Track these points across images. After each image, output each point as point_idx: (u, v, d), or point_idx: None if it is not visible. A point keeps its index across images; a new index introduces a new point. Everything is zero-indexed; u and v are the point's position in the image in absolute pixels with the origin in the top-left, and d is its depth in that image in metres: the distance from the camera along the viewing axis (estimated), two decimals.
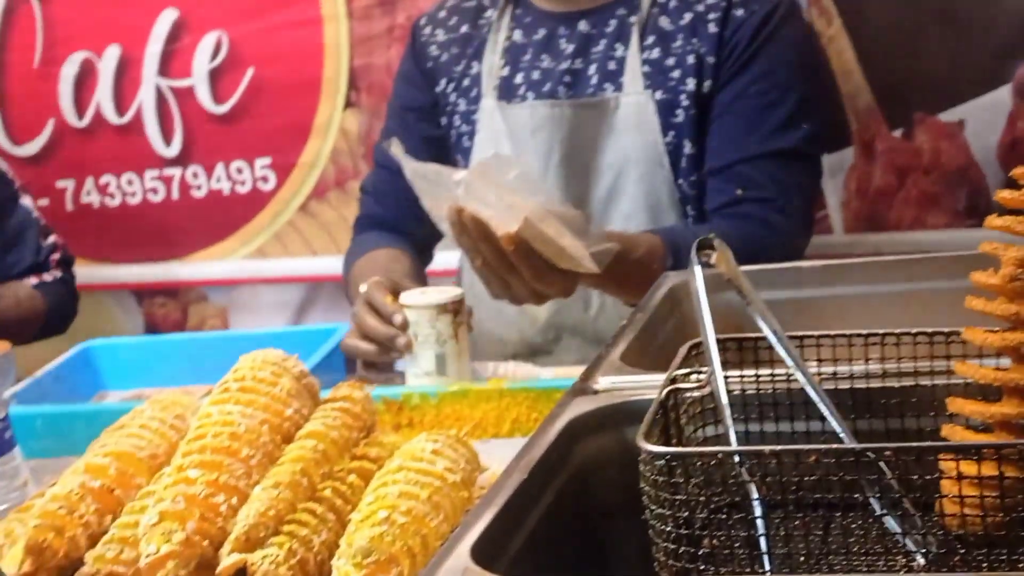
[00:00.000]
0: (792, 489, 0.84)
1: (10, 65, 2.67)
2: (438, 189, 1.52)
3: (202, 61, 2.58)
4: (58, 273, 2.24)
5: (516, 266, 1.47)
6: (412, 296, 1.59)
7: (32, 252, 2.20)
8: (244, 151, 2.60)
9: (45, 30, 2.64)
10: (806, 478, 0.81)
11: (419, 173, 1.54)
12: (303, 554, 1.01)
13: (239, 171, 2.62)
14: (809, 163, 1.80)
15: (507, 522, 0.88)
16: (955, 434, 0.89)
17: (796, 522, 0.88)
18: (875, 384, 1.01)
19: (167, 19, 2.58)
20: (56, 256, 2.25)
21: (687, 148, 1.75)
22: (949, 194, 2.29)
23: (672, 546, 0.79)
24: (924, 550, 0.87)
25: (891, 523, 0.87)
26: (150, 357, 1.91)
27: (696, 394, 0.95)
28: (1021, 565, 0.83)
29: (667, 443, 0.91)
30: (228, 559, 0.99)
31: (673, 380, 0.95)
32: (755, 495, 0.83)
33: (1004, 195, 0.90)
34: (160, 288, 2.74)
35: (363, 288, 1.65)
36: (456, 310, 1.57)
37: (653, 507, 0.81)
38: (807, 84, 1.78)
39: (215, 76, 2.58)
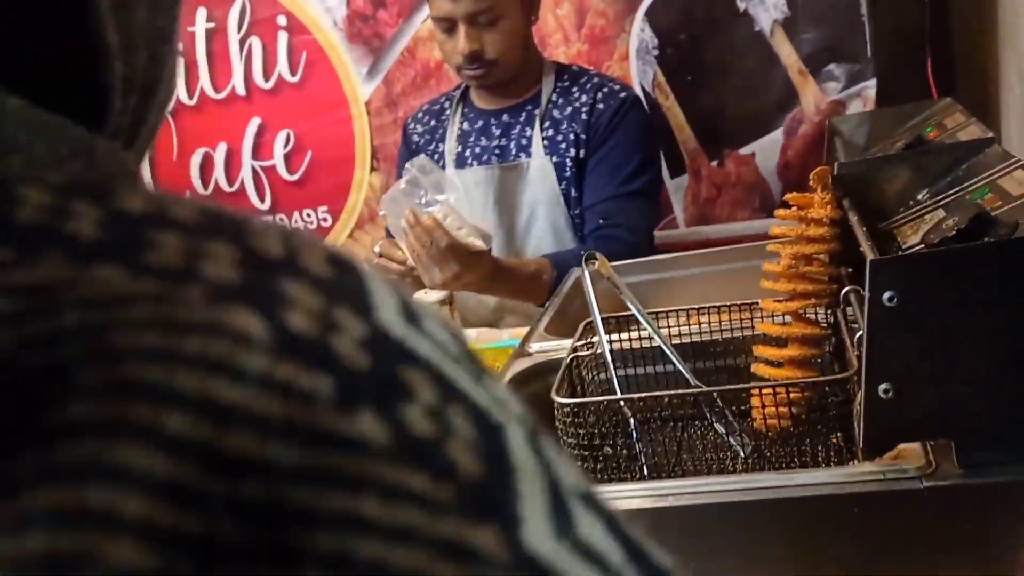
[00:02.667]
0: (655, 415, 0.87)
1: (157, 160, 2.69)
2: (398, 208, 1.56)
3: (279, 149, 2.59)
4: None
5: (447, 253, 1.48)
6: (422, 296, 1.61)
7: None
8: (310, 203, 2.63)
9: (178, 135, 2.65)
10: (664, 411, 0.84)
11: (391, 199, 1.58)
12: None
13: (308, 215, 2.65)
14: (649, 200, 1.84)
15: None
16: (760, 369, 0.93)
17: (659, 435, 0.92)
18: (707, 338, 1.05)
19: (254, 124, 2.60)
20: None
21: (573, 193, 1.79)
22: (748, 199, 2.32)
23: (579, 464, 0.82)
24: (742, 444, 0.91)
25: (720, 428, 0.91)
26: None
27: (588, 354, 0.99)
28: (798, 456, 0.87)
29: (572, 394, 0.94)
30: None
31: (574, 350, 0.99)
32: (632, 423, 0.87)
33: (780, 213, 0.94)
34: None
35: (376, 247, 1.68)
36: (451, 301, 1.61)
37: (565, 438, 0.84)
38: (646, 149, 1.81)
39: (287, 158, 2.60)
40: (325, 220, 2.64)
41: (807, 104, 2.22)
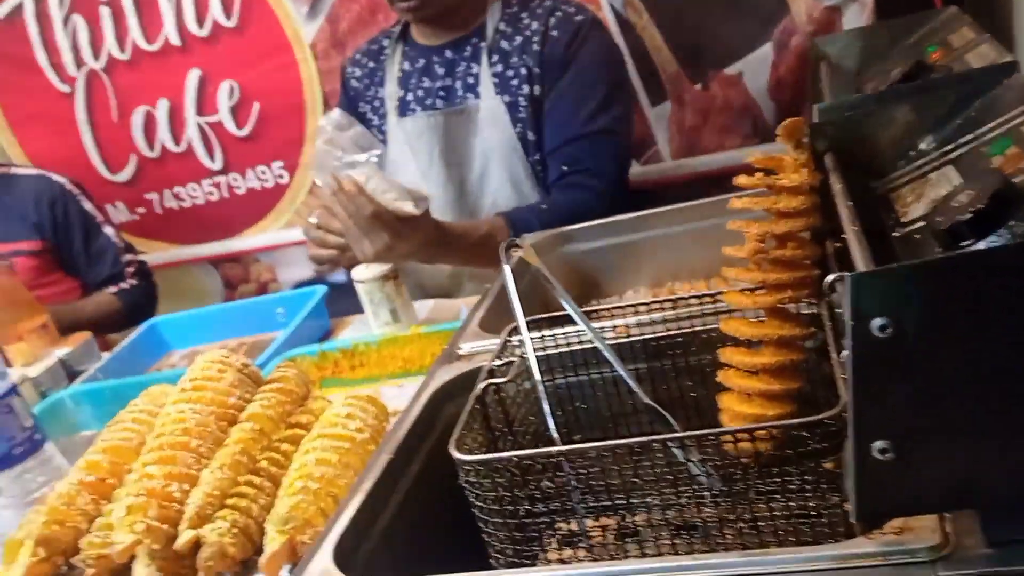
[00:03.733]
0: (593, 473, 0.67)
1: (96, 121, 2.48)
2: (323, 173, 1.36)
3: (223, 101, 2.38)
4: (134, 281, 2.06)
5: (373, 221, 1.29)
6: (361, 272, 1.42)
7: (110, 266, 2.04)
8: (264, 159, 2.44)
9: (116, 93, 2.44)
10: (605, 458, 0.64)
11: (316, 163, 1.38)
12: (244, 522, 0.88)
13: (263, 173, 2.45)
14: (618, 138, 1.60)
15: (375, 503, 0.74)
16: (728, 378, 0.74)
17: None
18: (661, 331, 0.86)
19: (194, 76, 2.38)
20: (131, 269, 2.07)
21: (530, 136, 1.57)
22: (738, 124, 2.10)
23: (504, 540, 0.63)
24: (709, 477, 0.72)
25: (680, 456, 0.72)
26: (199, 324, 1.78)
27: (506, 380, 0.79)
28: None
29: (488, 435, 0.74)
30: (184, 536, 0.87)
31: (490, 373, 0.79)
32: (570, 481, 0.67)
33: (741, 180, 0.73)
34: (228, 257, 2.60)
35: (311, 218, 1.48)
36: (395, 275, 1.41)
37: (473, 498, 0.65)
38: (611, 80, 1.58)
39: (234, 111, 2.39)
40: (281, 176, 2.44)
41: (798, 13, 1.97)
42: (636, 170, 2.11)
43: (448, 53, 1.63)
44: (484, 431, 0.71)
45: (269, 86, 2.33)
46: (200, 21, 2.29)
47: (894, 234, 0.65)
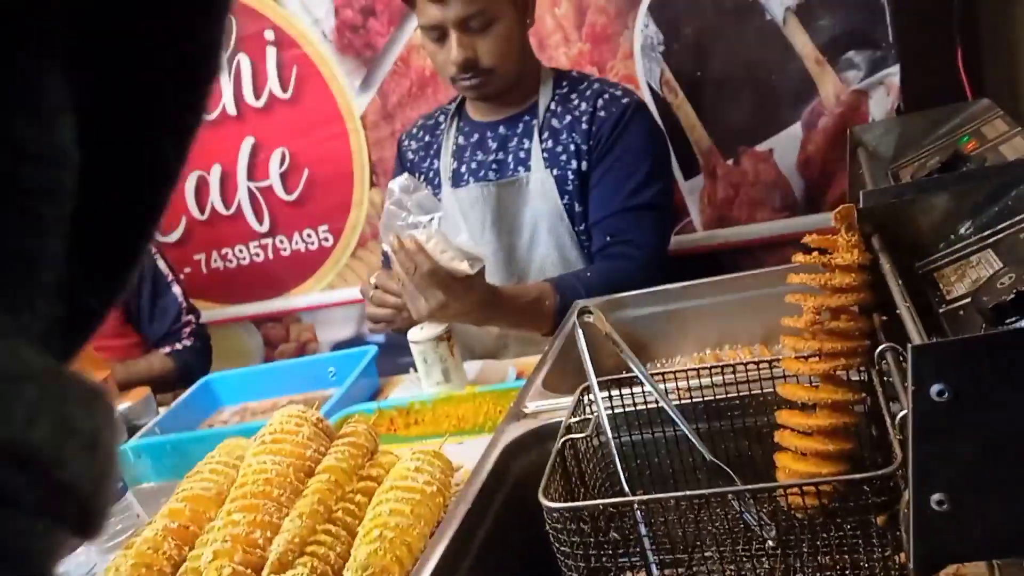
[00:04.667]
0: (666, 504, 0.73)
1: None
2: (387, 233, 1.45)
3: (275, 168, 2.49)
4: (188, 343, 2.13)
5: (429, 279, 1.36)
6: (416, 332, 1.49)
7: (170, 324, 2.12)
8: (310, 222, 2.53)
9: None
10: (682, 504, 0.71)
11: (383, 225, 1.47)
12: (323, 568, 0.93)
13: (308, 236, 2.55)
14: (660, 213, 1.69)
15: (457, 550, 0.81)
16: (784, 438, 0.80)
17: (671, 524, 0.77)
18: (720, 395, 0.92)
19: (248, 144, 2.49)
20: (188, 330, 2.14)
21: (577, 208, 1.66)
22: (768, 198, 2.19)
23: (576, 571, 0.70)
24: (768, 530, 0.78)
25: (742, 511, 0.78)
26: (251, 381, 1.84)
27: (582, 436, 0.86)
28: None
29: (568, 486, 0.81)
30: None
31: (568, 429, 0.86)
32: (641, 528, 0.73)
33: (799, 258, 0.81)
34: (270, 316, 2.68)
35: (372, 279, 1.57)
36: (449, 336, 1.49)
37: (558, 544, 0.72)
38: (654, 159, 1.67)
39: (284, 177, 2.50)
40: (327, 239, 2.54)
41: (826, 95, 2.07)
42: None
43: (502, 129, 1.74)
44: (564, 482, 0.78)
45: (319, 154, 2.45)
46: (257, 94, 2.42)
47: (940, 310, 0.72)
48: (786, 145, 2.13)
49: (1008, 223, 0.76)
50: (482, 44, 1.62)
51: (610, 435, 0.81)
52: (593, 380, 0.85)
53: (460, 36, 1.60)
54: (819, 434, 0.78)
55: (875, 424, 0.83)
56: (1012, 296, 0.59)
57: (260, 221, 2.56)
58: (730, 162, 2.18)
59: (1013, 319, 0.60)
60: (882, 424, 0.80)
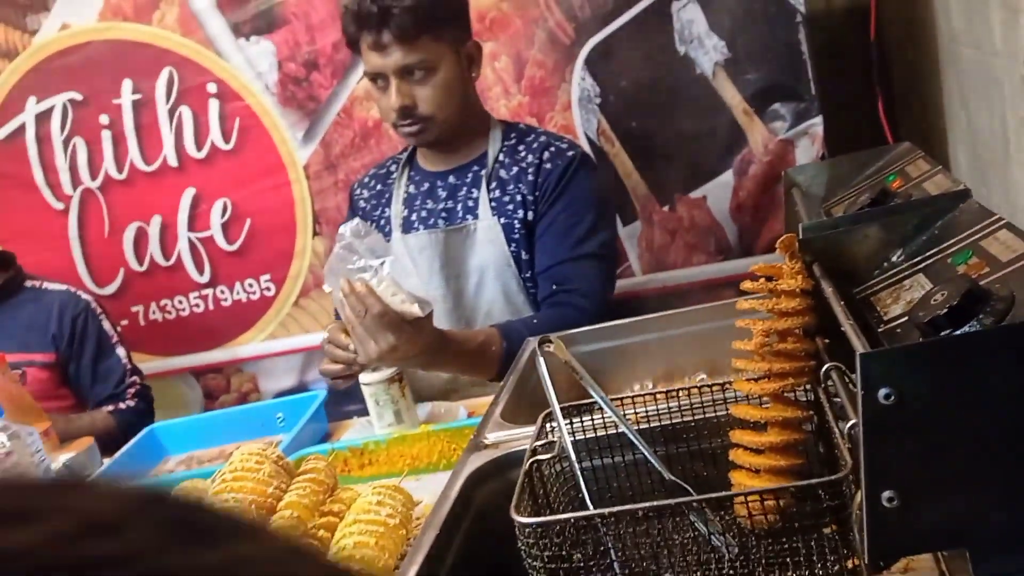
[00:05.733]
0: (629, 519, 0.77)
1: (88, 237, 2.56)
2: (336, 278, 1.47)
3: (216, 218, 2.49)
4: (132, 403, 2.09)
5: (379, 321, 1.38)
6: (367, 375, 1.51)
7: (113, 386, 2.08)
8: (252, 272, 2.53)
9: (109, 211, 2.53)
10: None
11: (329, 269, 1.48)
12: None
13: (250, 285, 2.54)
14: (605, 261, 1.74)
15: (427, 571, 0.82)
16: (738, 456, 0.84)
17: (635, 540, 0.81)
18: (677, 419, 0.96)
19: (189, 195, 2.49)
20: (132, 391, 2.11)
21: (524, 255, 1.71)
22: (703, 243, 2.27)
23: None
24: (727, 545, 0.81)
25: (702, 527, 0.82)
26: (197, 430, 1.82)
27: (548, 457, 0.89)
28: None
29: (535, 504, 0.83)
30: None
31: (533, 451, 0.89)
32: (606, 541, 0.76)
33: (747, 285, 0.87)
34: (210, 368, 2.64)
35: (326, 332, 1.58)
36: (400, 377, 1.50)
37: (529, 559, 0.74)
38: (598, 209, 1.73)
39: (226, 227, 2.50)
40: (268, 289, 2.53)
41: (755, 144, 2.18)
42: None
43: (451, 179, 1.78)
44: (532, 502, 0.80)
45: (262, 204, 2.46)
46: (199, 145, 2.43)
47: (879, 329, 0.78)
48: (719, 192, 2.23)
49: (936, 250, 0.83)
50: (421, 92, 1.67)
51: (574, 458, 0.85)
52: (556, 406, 0.88)
53: (400, 84, 1.66)
54: (771, 451, 0.83)
55: (822, 441, 0.88)
56: (945, 311, 0.65)
57: (201, 271, 2.54)
58: (666, 208, 2.26)
59: (948, 331, 0.66)
60: (829, 442, 0.85)
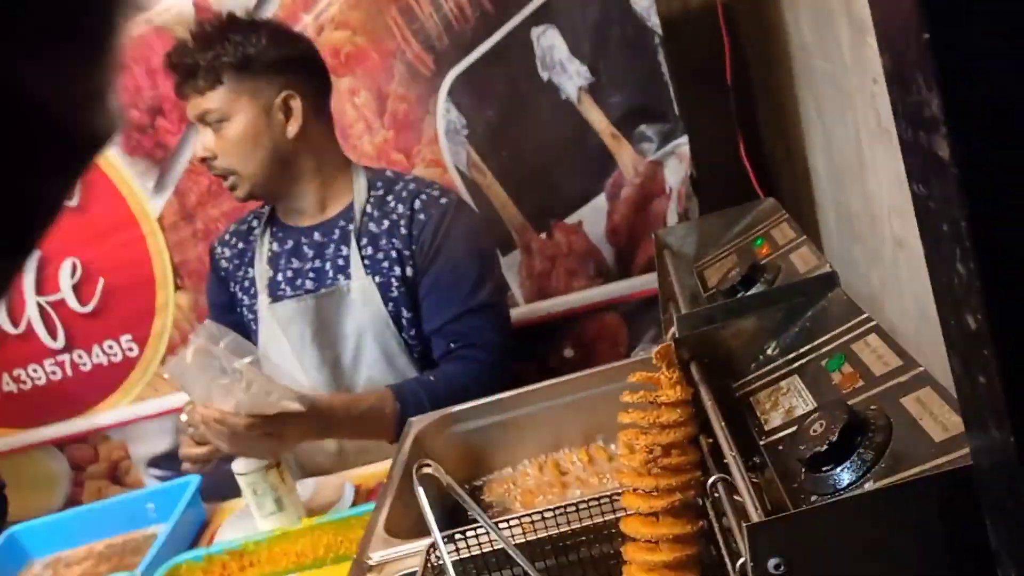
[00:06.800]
0: None
1: None
2: (191, 378, 1.38)
3: (65, 280, 2.32)
4: None
5: (250, 434, 1.33)
6: (242, 464, 1.42)
7: None
8: (111, 333, 2.37)
9: None
10: None
11: (178, 370, 1.40)
12: None
13: (110, 347, 2.38)
14: (497, 309, 1.70)
15: None
16: (631, 574, 0.83)
17: None
18: (565, 529, 0.94)
19: (33, 257, 2.30)
20: None
21: (405, 314, 1.64)
22: (583, 267, 2.26)
23: None
24: None
25: None
26: (61, 529, 1.70)
27: None
28: None
29: None
30: None
31: None
32: None
33: (626, 398, 0.84)
34: (74, 438, 2.47)
35: (183, 416, 1.48)
36: (277, 463, 1.43)
37: None
38: (482, 257, 1.69)
39: (77, 288, 2.33)
40: (131, 350, 2.38)
41: (625, 167, 2.18)
42: None
43: (317, 235, 1.70)
44: None
45: (114, 261, 2.30)
46: None
47: (760, 442, 0.77)
48: (594, 216, 2.22)
49: (808, 347, 0.82)
50: (218, 143, 1.60)
51: None
52: (439, 539, 0.84)
53: (203, 134, 1.60)
54: (663, 568, 0.81)
55: (713, 545, 0.87)
56: (825, 447, 0.64)
57: (54, 337, 2.37)
58: (543, 236, 2.24)
59: (829, 467, 0.65)
60: (719, 546, 0.83)
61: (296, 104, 1.61)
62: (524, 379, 1.62)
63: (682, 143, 2.15)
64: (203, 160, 1.62)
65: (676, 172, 2.17)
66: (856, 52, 1.49)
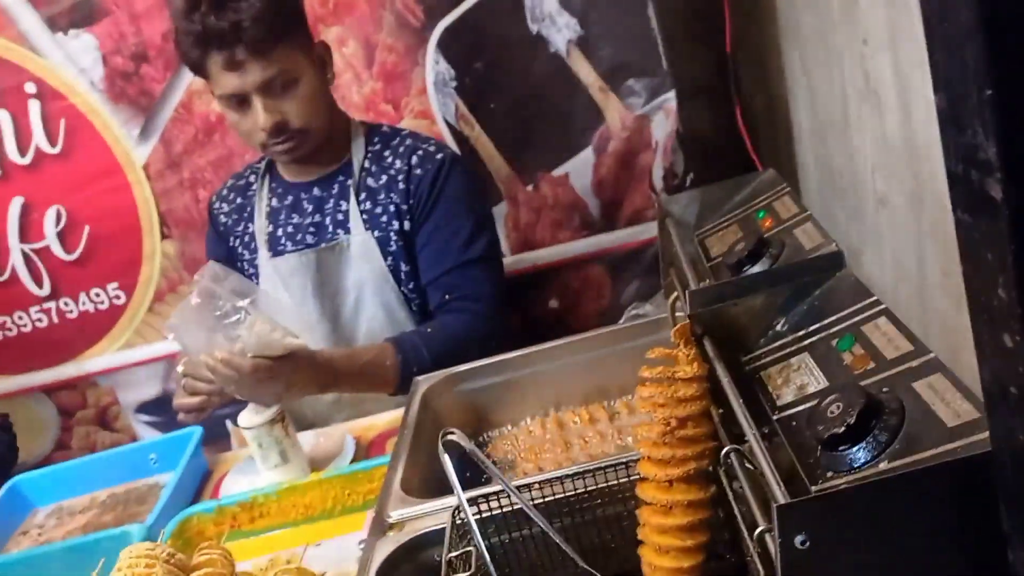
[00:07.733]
0: None
1: None
2: (194, 327, 1.40)
3: (50, 227, 2.30)
4: None
5: (256, 376, 1.35)
6: (248, 417, 1.45)
7: None
8: (97, 281, 2.36)
9: None
10: None
11: (182, 321, 1.41)
12: None
13: (97, 295, 2.38)
14: (491, 262, 1.72)
15: None
16: (646, 535, 0.90)
17: None
18: (581, 490, 0.98)
19: (17, 204, 2.28)
20: None
21: (403, 267, 1.67)
22: (568, 219, 2.29)
23: None
24: None
25: None
26: (64, 478, 1.73)
27: (459, 552, 0.88)
28: None
29: None
30: None
31: (449, 563, 0.88)
32: None
33: (645, 373, 0.88)
34: (63, 384, 2.48)
35: (179, 367, 1.51)
36: (282, 417, 1.46)
37: None
38: (477, 210, 1.71)
39: (62, 236, 2.32)
40: (118, 297, 2.38)
41: (612, 120, 2.20)
42: None
43: (316, 191, 1.70)
44: None
45: (100, 209, 2.28)
46: (22, 151, 2.22)
47: (774, 417, 0.82)
48: (580, 169, 2.24)
49: (817, 326, 0.87)
50: (288, 106, 1.58)
51: (488, 558, 0.86)
52: (464, 502, 0.88)
53: (265, 101, 1.56)
54: (677, 531, 0.86)
55: (721, 508, 0.92)
56: (843, 429, 0.69)
57: (39, 284, 2.36)
58: (530, 188, 2.26)
59: (846, 446, 0.70)
60: (730, 510, 0.89)
61: (328, 53, 1.63)
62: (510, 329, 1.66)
63: (669, 98, 2.17)
64: (275, 127, 1.57)
65: (663, 127, 2.19)
66: (846, 10, 1.50)
